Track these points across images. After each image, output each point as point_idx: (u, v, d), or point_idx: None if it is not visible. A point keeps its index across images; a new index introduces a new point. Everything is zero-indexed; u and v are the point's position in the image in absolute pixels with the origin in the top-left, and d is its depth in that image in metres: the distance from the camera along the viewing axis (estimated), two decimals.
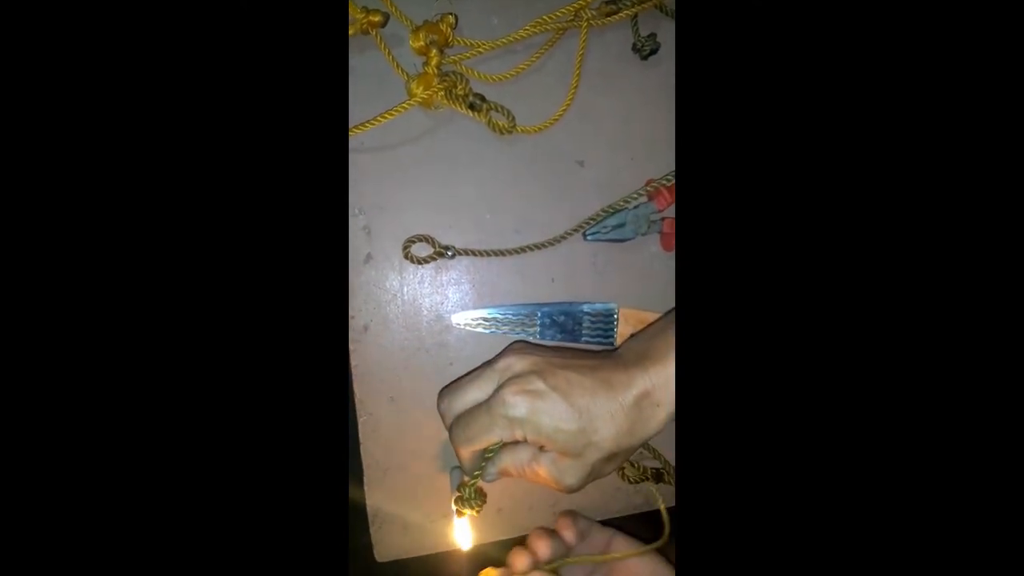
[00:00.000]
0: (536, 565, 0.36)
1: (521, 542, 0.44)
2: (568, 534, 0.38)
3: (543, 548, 0.37)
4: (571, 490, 0.34)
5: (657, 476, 0.44)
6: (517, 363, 0.34)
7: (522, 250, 0.41)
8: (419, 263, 0.40)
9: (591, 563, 0.39)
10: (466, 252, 0.41)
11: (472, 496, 0.37)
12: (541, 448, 0.34)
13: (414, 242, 0.40)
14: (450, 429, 0.36)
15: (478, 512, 0.38)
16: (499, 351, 0.41)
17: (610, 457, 0.33)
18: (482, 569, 0.41)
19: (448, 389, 0.37)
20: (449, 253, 0.40)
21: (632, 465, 0.43)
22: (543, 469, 0.34)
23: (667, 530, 0.39)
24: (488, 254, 0.41)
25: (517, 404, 0.32)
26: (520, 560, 0.36)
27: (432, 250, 0.40)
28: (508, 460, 0.35)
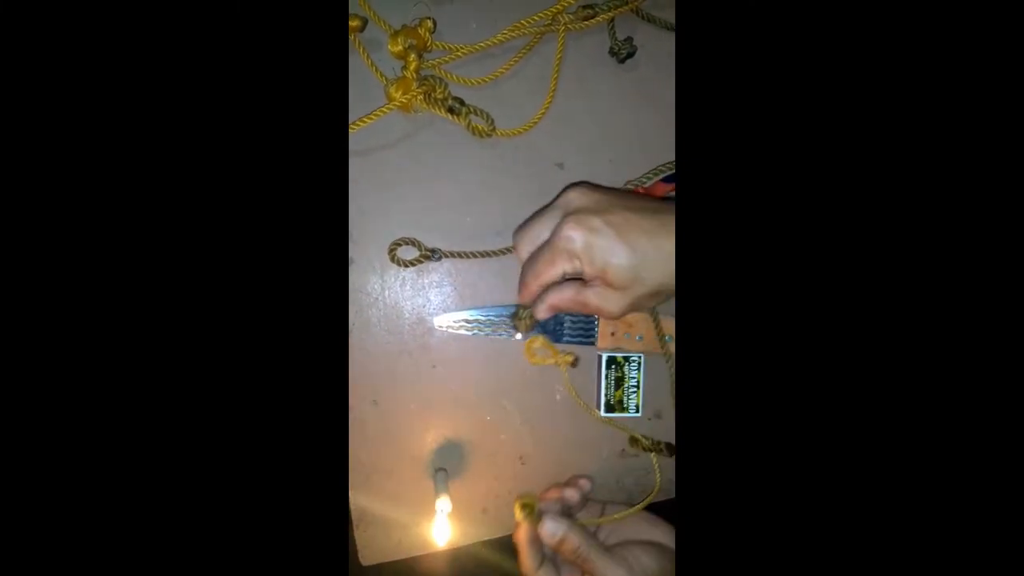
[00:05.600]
0: (565, 511, 0.40)
1: (506, 541, 0.45)
2: (585, 483, 0.42)
3: (570, 493, 0.41)
4: (612, 316, 0.36)
5: (670, 448, 0.44)
6: (578, 198, 0.35)
7: (507, 251, 0.42)
8: (405, 266, 0.41)
9: (595, 524, 0.42)
10: (452, 254, 0.41)
11: (527, 319, 0.40)
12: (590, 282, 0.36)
13: (400, 245, 0.40)
14: (521, 269, 0.38)
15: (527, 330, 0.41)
16: (481, 354, 0.42)
17: (655, 293, 0.35)
18: (469, 570, 0.41)
19: (519, 228, 0.39)
20: (435, 256, 0.40)
21: (647, 438, 0.43)
22: (589, 298, 0.36)
23: (656, 487, 0.43)
24: (474, 255, 0.41)
25: (574, 238, 0.34)
26: (553, 494, 0.41)
27: (418, 253, 0.40)
28: (554, 297, 0.37)
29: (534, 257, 0.37)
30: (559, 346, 0.43)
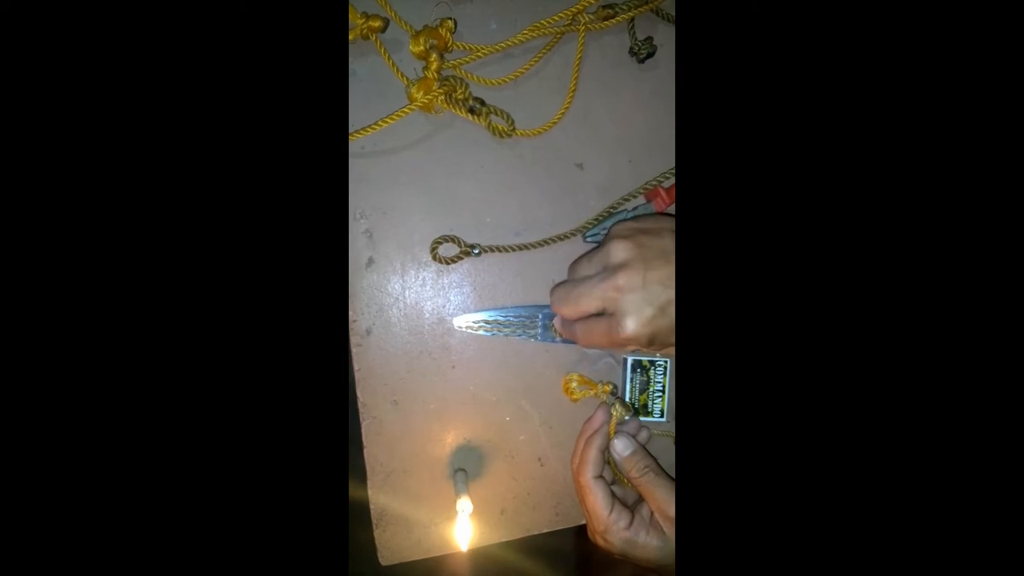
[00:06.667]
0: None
1: (525, 543, 0.45)
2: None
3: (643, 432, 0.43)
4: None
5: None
6: (627, 278, 0.34)
7: (548, 242, 0.42)
8: (447, 263, 0.41)
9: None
10: (492, 249, 0.41)
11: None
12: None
13: (441, 243, 0.40)
14: (575, 329, 0.39)
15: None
16: (500, 355, 0.42)
17: None
18: (486, 571, 0.41)
19: (560, 288, 0.38)
20: (476, 251, 0.40)
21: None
22: (629, 346, 0.36)
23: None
24: (513, 249, 0.41)
25: (633, 337, 0.34)
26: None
27: (459, 250, 0.41)
28: (585, 338, 0.38)
29: (590, 330, 0.37)
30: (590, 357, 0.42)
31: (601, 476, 0.40)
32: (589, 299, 0.36)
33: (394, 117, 0.38)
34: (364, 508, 0.42)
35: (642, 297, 0.34)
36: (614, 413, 0.40)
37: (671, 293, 0.34)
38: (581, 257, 0.39)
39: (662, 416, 0.43)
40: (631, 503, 0.41)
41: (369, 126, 0.38)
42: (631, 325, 0.34)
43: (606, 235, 0.38)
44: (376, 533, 0.43)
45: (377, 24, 0.38)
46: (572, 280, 0.37)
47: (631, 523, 0.39)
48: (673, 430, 0.45)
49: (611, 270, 0.35)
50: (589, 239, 0.42)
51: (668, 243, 0.35)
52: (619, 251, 0.35)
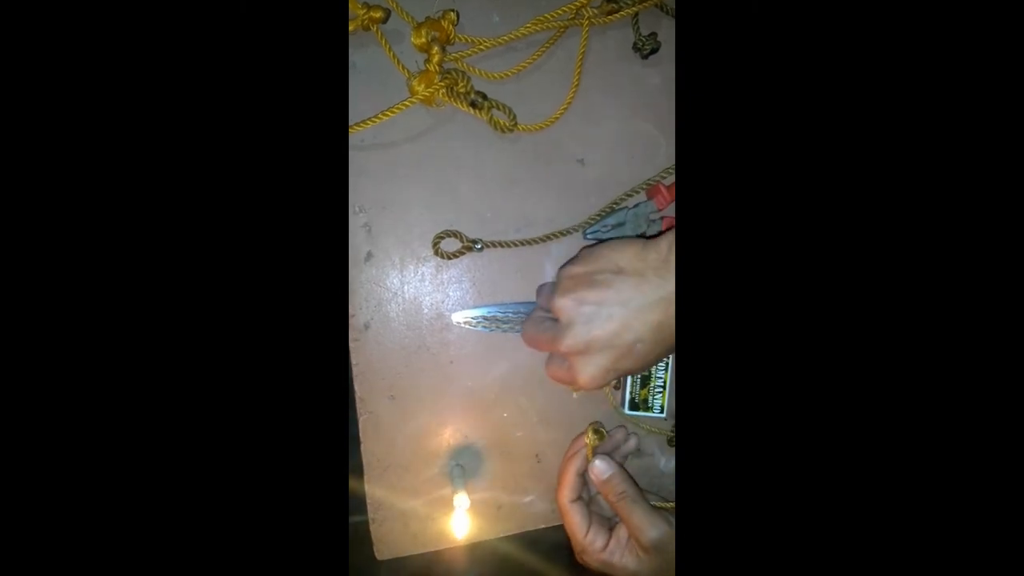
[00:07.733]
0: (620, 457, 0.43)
1: (521, 537, 0.45)
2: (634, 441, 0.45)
3: (632, 443, 0.44)
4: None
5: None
6: (576, 334, 0.34)
7: (549, 238, 0.42)
8: (449, 258, 0.41)
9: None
10: (494, 244, 0.41)
11: None
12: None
13: (443, 237, 0.40)
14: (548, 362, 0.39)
15: None
16: (498, 350, 0.42)
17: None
18: (483, 566, 0.41)
19: (527, 327, 0.39)
20: (478, 246, 0.40)
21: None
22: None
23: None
24: (516, 244, 0.41)
25: (595, 381, 0.35)
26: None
27: (460, 245, 0.41)
28: (553, 375, 0.38)
29: (554, 370, 0.38)
30: None
31: (579, 498, 0.41)
32: (546, 349, 0.37)
33: (395, 110, 0.38)
34: (361, 502, 0.42)
35: (588, 357, 0.34)
36: (587, 441, 0.40)
37: (620, 347, 0.34)
38: (544, 288, 0.39)
39: (662, 412, 0.43)
40: (614, 519, 0.42)
41: (369, 119, 0.38)
42: (586, 379, 0.35)
43: (555, 282, 0.37)
44: (372, 527, 0.43)
45: (378, 15, 0.38)
46: (533, 326, 0.38)
47: (606, 545, 0.40)
48: (668, 429, 0.45)
49: (558, 330, 0.35)
50: (589, 236, 0.42)
51: (611, 291, 0.34)
52: (562, 310, 0.35)
